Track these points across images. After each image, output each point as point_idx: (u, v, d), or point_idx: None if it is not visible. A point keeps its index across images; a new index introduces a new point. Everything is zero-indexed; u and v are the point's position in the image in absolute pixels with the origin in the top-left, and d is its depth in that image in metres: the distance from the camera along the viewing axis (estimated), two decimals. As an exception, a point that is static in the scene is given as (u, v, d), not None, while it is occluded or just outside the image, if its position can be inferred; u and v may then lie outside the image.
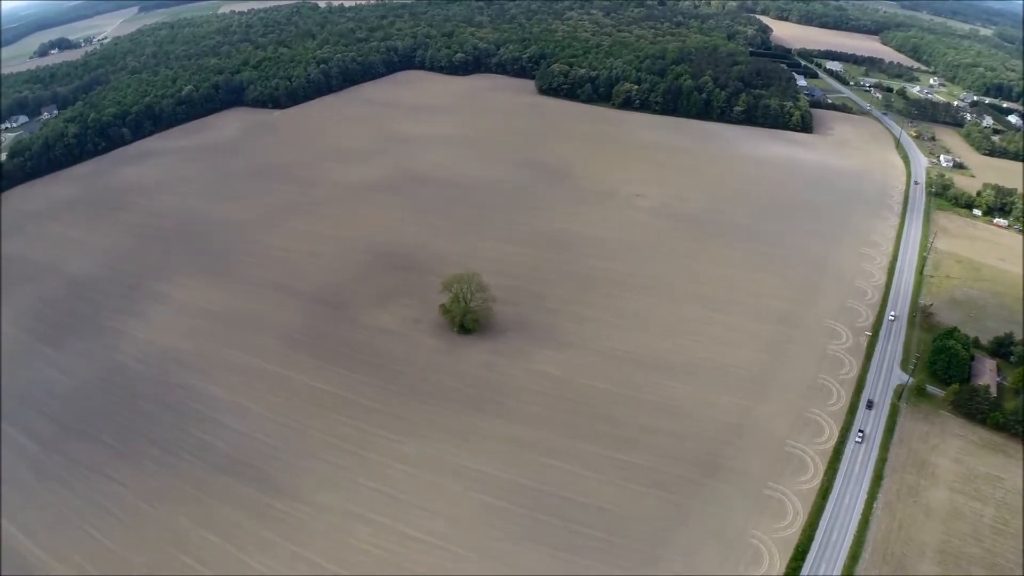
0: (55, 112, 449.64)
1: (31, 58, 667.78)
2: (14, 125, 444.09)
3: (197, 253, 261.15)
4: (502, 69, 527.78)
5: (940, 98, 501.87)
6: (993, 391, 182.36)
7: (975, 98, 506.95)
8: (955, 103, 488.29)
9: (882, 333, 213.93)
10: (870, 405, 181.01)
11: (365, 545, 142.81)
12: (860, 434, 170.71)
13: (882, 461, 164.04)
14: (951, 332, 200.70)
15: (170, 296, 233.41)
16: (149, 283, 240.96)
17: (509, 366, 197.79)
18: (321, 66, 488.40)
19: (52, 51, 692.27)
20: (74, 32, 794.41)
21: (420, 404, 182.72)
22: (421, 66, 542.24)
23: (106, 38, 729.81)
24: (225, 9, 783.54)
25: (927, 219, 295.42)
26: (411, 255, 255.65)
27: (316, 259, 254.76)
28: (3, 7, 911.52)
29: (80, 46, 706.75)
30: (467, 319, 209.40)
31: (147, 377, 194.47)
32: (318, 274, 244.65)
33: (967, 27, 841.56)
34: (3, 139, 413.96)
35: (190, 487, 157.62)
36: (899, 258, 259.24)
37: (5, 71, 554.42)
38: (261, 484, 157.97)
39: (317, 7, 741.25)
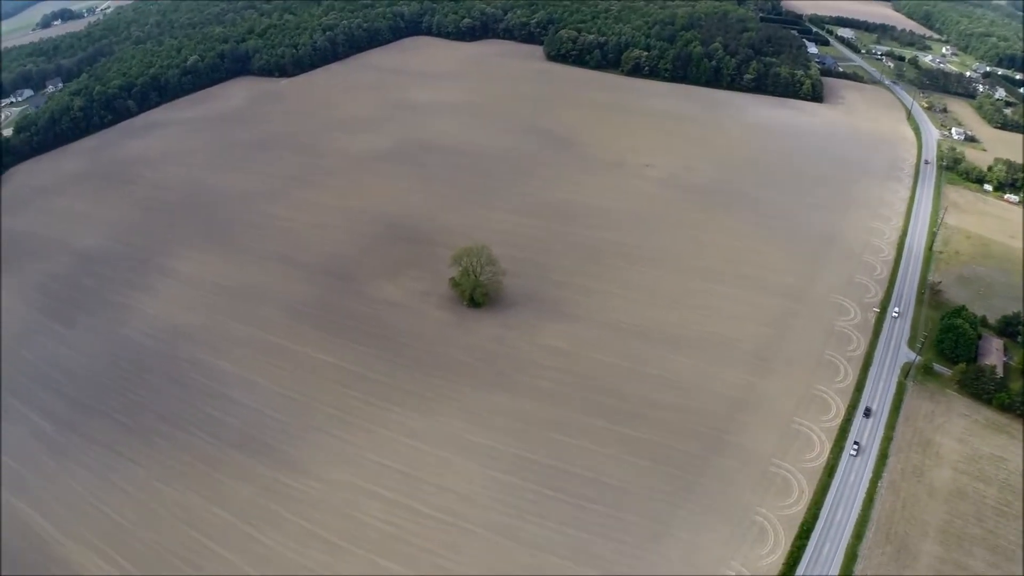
0: (60, 85, 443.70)
1: (34, 30, 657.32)
2: (19, 100, 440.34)
3: (203, 225, 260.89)
4: (509, 35, 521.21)
5: (952, 68, 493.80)
6: (999, 371, 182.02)
7: (988, 69, 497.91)
8: (967, 74, 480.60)
9: (889, 311, 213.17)
10: (868, 413, 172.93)
11: (375, 521, 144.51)
12: (856, 446, 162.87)
13: (887, 440, 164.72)
14: (959, 310, 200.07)
15: (176, 269, 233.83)
16: (156, 257, 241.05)
17: (518, 340, 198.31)
18: (327, 33, 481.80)
19: (55, 22, 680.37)
20: (76, 2, 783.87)
21: (428, 378, 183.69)
22: (428, 32, 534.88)
23: (109, 7, 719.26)
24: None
25: (938, 193, 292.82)
26: (418, 226, 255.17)
27: (322, 231, 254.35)
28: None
29: (83, 16, 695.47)
30: (477, 293, 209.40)
31: (156, 352, 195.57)
32: (324, 246, 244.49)
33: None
34: (8, 113, 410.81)
35: (200, 463, 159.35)
36: (909, 233, 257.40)
37: (8, 44, 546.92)
38: (270, 459, 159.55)
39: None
